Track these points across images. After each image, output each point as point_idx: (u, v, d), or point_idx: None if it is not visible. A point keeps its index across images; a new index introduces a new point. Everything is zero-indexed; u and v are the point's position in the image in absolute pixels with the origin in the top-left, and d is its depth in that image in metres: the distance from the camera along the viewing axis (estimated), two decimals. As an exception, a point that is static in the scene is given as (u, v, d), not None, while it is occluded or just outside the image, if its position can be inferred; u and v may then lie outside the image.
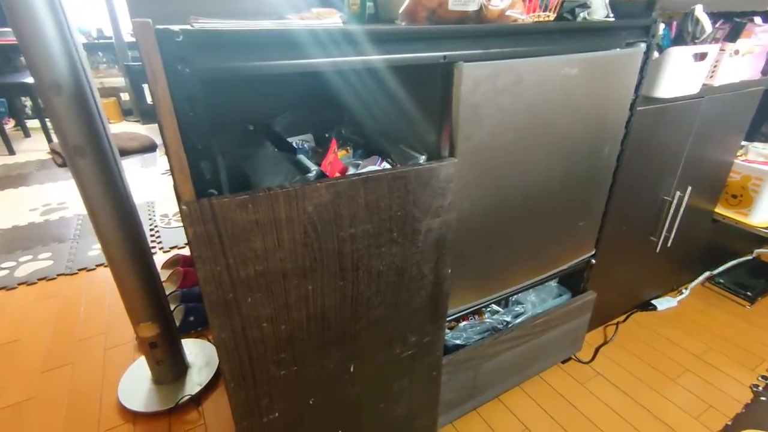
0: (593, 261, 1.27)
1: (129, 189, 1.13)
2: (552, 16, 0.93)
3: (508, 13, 0.83)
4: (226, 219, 0.63)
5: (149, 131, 4.09)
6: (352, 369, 0.87)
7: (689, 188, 1.38)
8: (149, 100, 4.15)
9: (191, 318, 1.59)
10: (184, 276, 1.77)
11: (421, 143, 0.92)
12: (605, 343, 1.52)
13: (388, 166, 0.89)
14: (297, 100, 1.25)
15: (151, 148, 3.66)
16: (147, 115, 4.55)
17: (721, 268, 1.88)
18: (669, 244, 1.46)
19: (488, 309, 1.23)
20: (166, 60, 0.54)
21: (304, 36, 0.62)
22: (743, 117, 1.42)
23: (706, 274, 1.86)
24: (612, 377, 1.39)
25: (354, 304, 0.81)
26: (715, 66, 1.17)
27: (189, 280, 1.77)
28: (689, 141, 1.29)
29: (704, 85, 1.19)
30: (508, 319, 1.21)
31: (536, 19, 0.89)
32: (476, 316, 1.21)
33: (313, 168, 0.81)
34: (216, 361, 1.42)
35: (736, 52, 1.18)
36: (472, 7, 0.81)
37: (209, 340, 1.53)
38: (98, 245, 2.15)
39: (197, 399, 1.31)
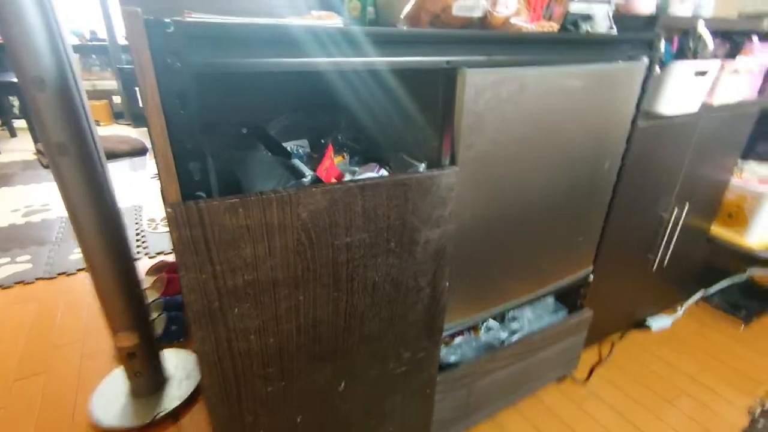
0: (591, 278, 1.25)
1: (113, 192, 1.08)
2: (556, 26, 0.92)
3: (512, 21, 0.81)
4: (215, 223, 0.59)
5: (140, 134, 4.03)
6: (342, 385, 0.83)
7: (687, 205, 1.37)
8: (141, 103, 4.10)
9: (174, 327, 1.52)
10: (167, 283, 1.70)
11: (420, 151, 0.89)
12: (600, 362, 1.49)
13: (386, 173, 0.86)
14: (293, 103, 1.21)
15: (141, 151, 3.60)
16: (138, 118, 4.49)
17: (714, 288, 1.87)
18: (665, 262, 1.45)
19: (484, 324, 1.19)
20: (155, 52, 0.50)
21: (304, 34, 0.59)
22: (740, 136, 1.43)
23: (700, 293, 1.84)
24: (608, 398, 1.35)
25: (347, 316, 0.77)
26: (714, 84, 1.17)
27: (173, 288, 1.71)
28: (687, 158, 1.28)
29: (703, 103, 1.18)
30: (505, 335, 1.17)
31: (540, 29, 0.88)
32: (472, 332, 1.18)
33: (308, 173, 0.78)
34: (198, 374, 1.35)
35: (735, 70, 1.18)
36: (477, 14, 0.79)
37: (192, 351, 1.47)
38: (79, 249, 2.08)
39: (175, 414, 1.24)
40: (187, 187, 0.58)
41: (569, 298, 1.33)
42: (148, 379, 1.26)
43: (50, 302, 1.75)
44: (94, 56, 4.83)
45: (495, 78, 0.77)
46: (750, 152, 1.65)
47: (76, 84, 0.95)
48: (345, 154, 1.02)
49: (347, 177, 0.88)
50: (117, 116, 4.78)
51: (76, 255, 2.04)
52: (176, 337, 1.52)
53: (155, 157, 0.55)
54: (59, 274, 1.91)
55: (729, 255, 1.80)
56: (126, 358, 1.20)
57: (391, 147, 0.97)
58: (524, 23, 0.82)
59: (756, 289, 1.91)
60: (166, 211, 0.55)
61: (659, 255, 1.42)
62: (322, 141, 1.13)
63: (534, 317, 1.28)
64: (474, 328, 1.18)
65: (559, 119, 0.91)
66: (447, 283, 0.85)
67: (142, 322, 1.20)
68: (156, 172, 3.21)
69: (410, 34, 0.70)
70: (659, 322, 1.66)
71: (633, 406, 1.33)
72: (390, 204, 0.71)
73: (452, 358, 1.07)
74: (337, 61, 0.63)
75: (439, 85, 0.79)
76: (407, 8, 0.81)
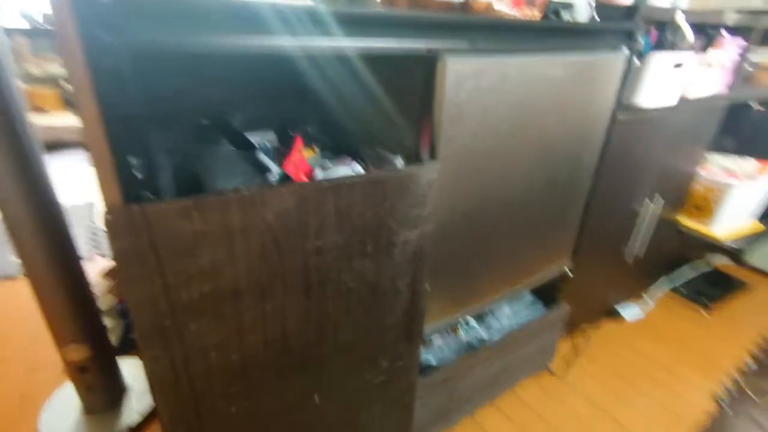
0: (568, 272, 1.23)
1: (52, 185, 0.97)
2: (538, 14, 0.87)
3: (495, 6, 0.76)
4: (164, 230, 0.51)
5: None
6: (316, 399, 0.77)
7: (659, 198, 1.37)
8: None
9: (132, 335, 1.41)
10: (125, 286, 1.58)
11: (396, 144, 0.83)
12: (576, 354, 1.49)
13: (360, 168, 0.79)
14: (258, 92, 1.12)
15: (94, 143, 3.35)
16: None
17: (680, 277, 1.92)
18: (639, 254, 1.46)
19: (464, 323, 1.16)
20: (84, 25, 0.42)
21: (266, 10, 0.52)
22: (709, 129, 1.45)
23: (667, 282, 1.89)
24: (584, 389, 1.35)
25: (319, 325, 0.70)
26: (689, 77, 1.16)
27: (131, 291, 1.58)
28: (661, 152, 1.28)
29: (681, 97, 1.18)
30: (484, 334, 1.14)
31: (522, 17, 0.83)
32: (450, 332, 1.14)
33: (275, 168, 0.70)
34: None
35: (708, 64, 1.18)
36: (457, -3, 0.73)
37: (153, 359, 1.36)
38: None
39: (137, 431, 1.14)
40: (129, 187, 0.49)
41: (545, 292, 1.31)
42: (103, 394, 1.15)
43: (-10, 310, 1.59)
44: (45, 41, 4.46)
45: (477, 67, 0.72)
46: (714, 145, 1.68)
47: (1, 65, 0.83)
48: (315, 147, 0.95)
49: (318, 172, 0.81)
50: (67, 104, 4.45)
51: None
52: (135, 346, 1.40)
53: (88, 150, 0.46)
54: (0, 278, 1.74)
55: (694, 245, 1.85)
56: (76, 372, 1.09)
57: (365, 140, 0.91)
58: (507, 9, 0.77)
59: (718, 277, 1.98)
60: (104, 216, 0.47)
61: (633, 247, 1.43)
62: (291, 133, 1.05)
63: (512, 313, 1.26)
64: (453, 328, 1.14)
65: (539, 111, 0.87)
66: (426, 285, 0.80)
67: (94, 332, 1.09)
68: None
69: (388, 16, 0.63)
70: (630, 312, 1.69)
71: (608, 396, 1.33)
72: (365, 203, 0.65)
73: (432, 361, 1.03)
74: (305, 44, 0.55)
75: (418, 74, 0.73)
76: (383, -12, 0.74)
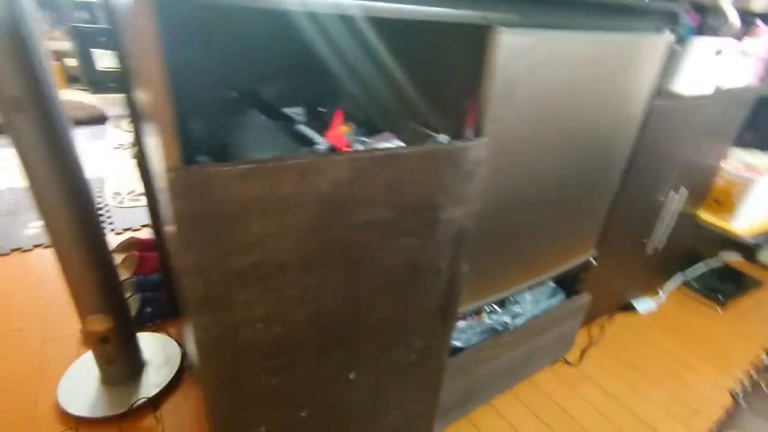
0: (593, 261, 1.23)
1: (79, 155, 0.95)
2: (585, -9, 0.85)
3: (549, -21, 0.73)
4: (222, 194, 0.49)
5: (99, 101, 3.71)
6: (351, 376, 0.76)
7: (682, 190, 1.36)
8: (99, 65, 3.74)
9: (148, 309, 1.40)
10: (140, 262, 1.57)
11: (436, 121, 0.81)
12: (591, 345, 1.49)
13: (401, 144, 0.78)
14: (286, 66, 1.09)
15: (100, 119, 3.32)
16: (96, 83, 4.12)
17: (694, 272, 1.92)
18: (658, 247, 1.45)
19: (488, 308, 1.15)
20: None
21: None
22: (737, 121, 1.43)
23: (681, 277, 1.89)
24: (600, 380, 1.36)
25: (360, 301, 0.69)
26: (724, 65, 1.14)
27: (146, 267, 1.58)
28: (691, 142, 1.27)
29: (716, 86, 1.16)
30: (507, 319, 1.14)
31: (572, -8, 0.80)
32: (474, 316, 1.13)
33: (320, 140, 0.68)
34: (177, 360, 1.25)
35: (744, 52, 1.16)
36: (512, -32, 0.70)
37: (169, 335, 1.36)
38: (37, 223, 1.88)
39: (154, 402, 1.14)
40: (188, 149, 0.48)
41: (566, 280, 1.30)
42: (122, 366, 1.15)
43: (3, 281, 1.58)
44: (43, 12, 4.36)
45: (530, 41, 0.70)
46: (737, 139, 1.67)
47: (29, 25, 0.80)
48: (350, 123, 0.93)
49: (358, 147, 0.79)
50: (71, 80, 4.38)
51: (32, 230, 1.85)
52: (151, 320, 1.40)
53: (153, 111, 0.45)
54: (13, 250, 1.72)
55: (709, 240, 1.85)
56: (98, 343, 1.08)
57: (402, 117, 0.88)
58: (561, -18, 0.74)
59: (731, 273, 1.98)
60: (166, 177, 0.45)
61: (654, 240, 1.42)
62: (320, 109, 1.03)
63: (533, 300, 1.25)
64: (477, 312, 1.14)
65: (582, 94, 0.85)
66: (467, 266, 0.79)
67: (116, 304, 1.08)
68: (119, 142, 2.97)
69: (444, -18, 0.60)
70: (644, 305, 1.69)
71: (624, 387, 1.34)
72: (416, 177, 0.63)
73: (457, 344, 1.03)
74: (363, 3, 0.53)
75: (464, 47, 0.71)
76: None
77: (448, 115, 0.79)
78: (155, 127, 0.49)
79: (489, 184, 0.79)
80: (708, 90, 1.10)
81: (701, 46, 0.99)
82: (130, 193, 2.19)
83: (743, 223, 1.56)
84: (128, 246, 1.66)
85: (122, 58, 0.90)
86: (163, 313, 1.42)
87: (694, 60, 1.00)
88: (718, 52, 1.03)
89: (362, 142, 0.82)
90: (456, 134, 0.77)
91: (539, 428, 1.18)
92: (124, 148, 2.83)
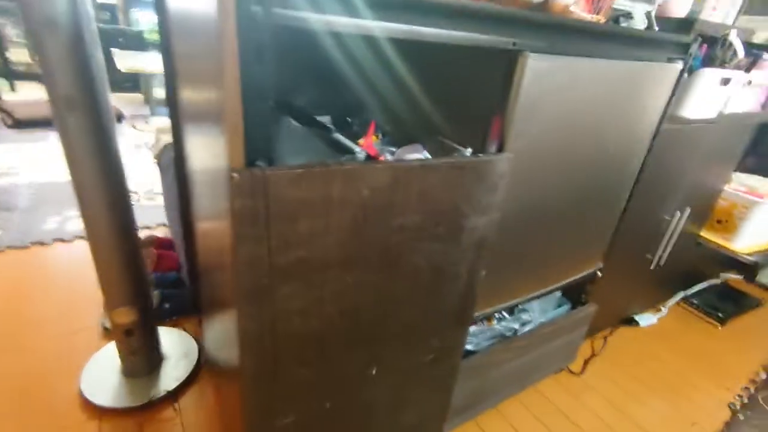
0: (599, 274, 1.27)
1: (120, 153, 1.00)
2: (603, 20, 0.91)
3: (572, 8, 0.79)
4: (277, 194, 0.54)
5: (116, 101, 3.78)
6: (374, 372, 0.80)
7: (687, 210, 1.42)
8: (119, 66, 3.82)
9: (167, 305, 1.45)
10: (159, 259, 1.62)
11: (460, 135, 0.87)
12: (594, 355, 1.53)
13: (428, 155, 0.83)
14: (315, 77, 1.15)
15: (117, 118, 3.38)
16: (114, 83, 4.20)
17: (694, 290, 1.97)
18: (662, 263, 1.50)
19: (497, 315, 1.20)
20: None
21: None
22: (739, 146, 1.49)
23: (682, 294, 1.93)
24: (603, 390, 1.40)
25: (388, 301, 0.74)
26: (730, 94, 1.20)
27: (164, 264, 1.62)
28: (696, 163, 1.33)
29: (719, 111, 1.22)
30: (516, 326, 1.18)
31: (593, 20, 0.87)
32: (485, 322, 1.18)
33: (358, 149, 0.74)
34: (195, 355, 1.29)
35: (749, 82, 1.22)
36: (538, -2, 0.77)
37: (186, 331, 1.40)
38: (55, 217, 1.93)
39: (174, 395, 1.18)
40: (252, 153, 0.53)
41: (572, 293, 1.35)
42: (143, 358, 1.19)
43: (23, 274, 1.62)
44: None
45: (553, 65, 0.76)
46: (739, 165, 1.73)
47: (88, 25, 0.86)
48: (377, 133, 0.98)
49: (387, 157, 0.85)
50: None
51: (52, 224, 1.90)
52: (169, 316, 1.44)
53: (223, 115, 0.50)
54: (32, 244, 1.77)
55: (709, 259, 1.90)
56: (122, 335, 1.13)
57: (427, 130, 0.94)
58: (583, 13, 0.80)
59: (730, 292, 2.03)
60: (230, 177, 0.51)
61: (657, 256, 1.47)
62: (348, 119, 1.09)
63: (540, 309, 1.30)
64: (488, 318, 1.18)
65: (598, 115, 0.91)
66: (484, 272, 0.84)
67: (143, 297, 1.13)
68: (137, 141, 3.03)
69: (480, 8, 0.66)
70: (646, 320, 1.73)
71: (624, 397, 1.38)
72: (445, 187, 0.69)
73: (469, 347, 1.07)
74: (395, 27, 0.58)
75: (495, 68, 0.76)
76: (464, -15, 0.78)
77: (471, 130, 0.85)
78: (219, 129, 0.54)
79: (508, 196, 0.85)
80: (712, 114, 1.16)
81: (710, 76, 1.05)
82: (147, 192, 2.24)
83: (744, 243, 1.61)
84: (146, 243, 1.70)
85: (168, 60, 0.95)
86: (180, 309, 1.46)
87: (703, 88, 1.06)
88: (725, 82, 1.09)
89: (391, 152, 0.88)
90: (479, 148, 0.82)
91: (544, 434, 1.22)
92: (144, 147, 2.89)
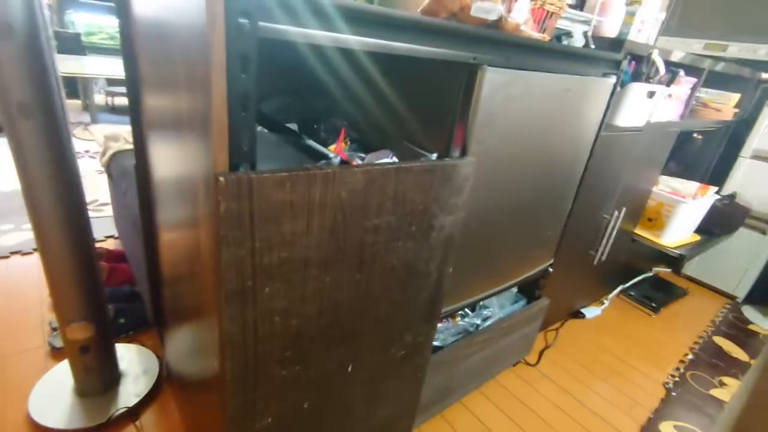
0: (551, 270, 1.38)
1: (77, 163, 0.96)
2: (548, 38, 1.01)
3: (522, 27, 0.88)
4: (262, 197, 0.56)
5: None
6: (350, 369, 0.83)
7: (623, 209, 1.57)
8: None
9: (122, 320, 1.38)
10: (110, 273, 1.54)
11: (428, 141, 0.93)
12: (547, 347, 1.65)
13: (396, 160, 0.88)
14: (281, 85, 1.17)
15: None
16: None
17: (631, 282, 2.17)
18: (603, 259, 1.65)
19: (460, 312, 1.26)
20: (228, 10, 0.47)
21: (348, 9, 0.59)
22: (664, 151, 1.67)
23: (621, 287, 2.12)
24: (556, 378, 1.50)
25: (364, 299, 0.77)
26: (654, 105, 1.36)
27: (116, 278, 1.55)
28: (627, 168, 1.48)
29: (647, 120, 1.37)
30: (478, 321, 1.25)
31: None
32: (449, 319, 1.24)
33: (332, 154, 0.77)
34: (156, 370, 1.25)
35: (670, 95, 1.39)
36: (493, 17, 0.84)
37: (144, 345, 1.34)
38: (31, 226, 1.77)
39: (134, 412, 1.13)
40: (235, 157, 0.55)
41: (528, 289, 1.45)
42: (100, 376, 1.13)
43: (-48, 293, 1.48)
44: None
45: (508, 78, 0.84)
46: (664, 168, 1.94)
47: (45, 29, 0.83)
48: (346, 139, 1.02)
49: (357, 162, 0.88)
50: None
51: (-16, 239, 1.75)
52: (125, 331, 1.38)
53: (209, 120, 0.51)
54: (-38, 261, 1.62)
55: (643, 254, 2.10)
56: (77, 353, 1.07)
57: (394, 136, 0.99)
58: (531, 32, 0.89)
59: (662, 283, 2.25)
60: (215, 180, 0.52)
61: (599, 252, 1.61)
62: (315, 126, 1.12)
63: (499, 305, 1.38)
64: (452, 315, 1.25)
65: (547, 124, 1.01)
66: (451, 269, 0.90)
67: (99, 312, 1.08)
68: (86, 148, 2.85)
69: (444, 26, 0.72)
70: (591, 312, 1.89)
71: (577, 384, 1.49)
72: (417, 189, 0.73)
73: (436, 343, 1.12)
74: (370, 41, 0.63)
75: (457, 80, 0.83)
76: (425, 2, 0.84)
77: (435, 136, 0.91)
78: (200, 136, 0.56)
79: (469, 199, 0.91)
80: (640, 123, 1.31)
81: (638, 89, 1.18)
82: (92, 203, 2.12)
83: (671, 238, 1.80)
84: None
85: (131, 66, 0.93)
86: (137, 324, 1.40)
87: (632, 100, 1.19)
88: (651, 94, 1.24)
89: (361, 158, 0.92)
90: (443, 153, 0.88)
91: (506, 424, 1.29)
92: (87, 156, 2.71)
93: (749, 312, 2.12)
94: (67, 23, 4.11)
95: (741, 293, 2.17)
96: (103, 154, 1.70)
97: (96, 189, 2.27)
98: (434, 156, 0.87)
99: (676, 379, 1.59)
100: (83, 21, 4.15)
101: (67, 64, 3.05)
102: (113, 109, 4.09)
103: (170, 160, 0.79)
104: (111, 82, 4.03)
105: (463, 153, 0.86)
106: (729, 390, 1.56)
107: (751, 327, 2.01)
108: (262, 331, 0.66)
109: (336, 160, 0.76)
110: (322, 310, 0.72)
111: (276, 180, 0.57)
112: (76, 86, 3.94)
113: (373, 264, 0.75)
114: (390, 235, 0.74)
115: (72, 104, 3.96)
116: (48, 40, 0.84)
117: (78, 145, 2.94)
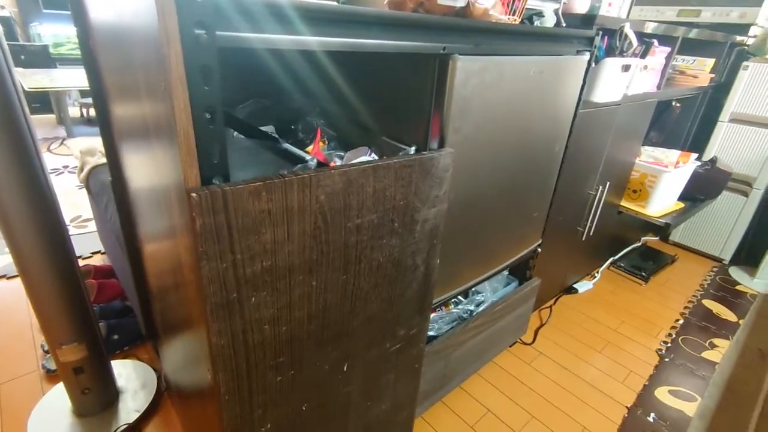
0: (539, 250, 1.39)
1: (50, 180, 0.94)
2: (518, 21, 1.00)
3: (491, 12, 0.87)
4: (238, 209, 0.56)
5: (37, 122, 3.43)
6: (345, 368, 0.83)
7: (608, 184, 1.58)
8: (25, 86, 3.49)
9: (115, 336, 1.37)
10: (99, 289, 1.52)
11: (402, 135, 0.92)
12: (542, 325, 1.67)
13: (376, 157, 0.87)
14: (254, 87, 1.15)
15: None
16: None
17: (620, 254, 2.20)
18: (591, 234, 1.67)
19: (453, 300, 1.27)
20: (182, 22, 0.46)
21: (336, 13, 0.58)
22: (644, 123, 1.68)
23: (610, 259, 2.15)
24: (552, 355, 1.53)
25: (353, 299, 0.77)
26: (630, 78, 1.37)
27: (105, 294, 1.53)
28: (608, 142, 1.49)
29: (624, 94, 1.38)
30: (472, 307, 1.26)
31: (509, 22, 0.95)
32: (443, 308, 1.25)
33: (308, 157, 0.76)
34: (154, 383, 1.24)
35: (645, 67, 1.39)
36: (460, 3, 0.83)
37: (140, 360, 1.34)
38: (8, 250, 1.74)
39: (135, 428, 1.13)
40: (206, 171, 0.54)
41: (519, 270, 1.47)
42: (97, 396, 1.13)
43: (-61, 324, 1.45)
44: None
45: (481, 65, 0.83)
46: (644, 138, 1.95)
47: (2, 46, 0.80)
48: (324, 139, 1.01)
49: (337, 161, 0.87)
50: None
51: (-34, 266, 1.71)
52: (119, 347, 1.37)
53: (177, 136, 0.50)
54: (-54, 290, 1.59)
55: (630, 225, 2.13)
56: (71, 374, 1.06)
57: (371, 132, 0.98)
58: (500, 15, 0.88)
59: (650, 252, 2.28)
60: (188, 197, 0.51)
61: (586, 227, 1.63)
62: (292, 127, 1.10)
63: (491, 289, 1.40)
64: (445, 304, 1.25)
65: (524, 106, 1.00)
66: (438, 260, 0.90)
67: (89, 331, 1.07)
68: (64, 163, 2.79)
69: (408, 18, 0.71)
70: (583, 286, 1.91)
71: (573, 359, 1.52)
72: (397, 185, 0.73)
73: (431, 333, 1.13)
74: (333, 41, 0.62)
75: (429, 71, 0.82)
76: (392, -7, 0.83)
77: (413, 130, 0.90)
78: (169, 149, 0.55)
79: (452, 188, 0.91)
80: (617, 97, 1.32)
81: (612, 64, 1.18)
82: (74, 219, 2.08)
83: (656, 208, 1.83)
84: (84, 275, 1.59)
85: (94, 76, 0.91)
86: (131, 339, 1.39)
87: (607, 76, 1.19)
88: (626, 68, 1.24)
89: (340, 157, 0.91)
90: (422, 146, 0.88)
91: (507, 403, 1.31)
92: (66, 172, 2.66)
93: (736, 273, 2.17)
94: (33, 36, 3.99)
95: (727, 255, 2.22)
96: (81, 170, 1.67)
97: (78, 205, 2.23)
98: (413, 149, 0.87)
99: (669, 345, 1.63)
100: (50, 32, 4.03)
101: (35, 79, 2.97)
102: (89, 121, 4.00)
103: (144, 172, 0.77)
104: (84, 93, 3.94)
105: (441, 144, 0.85)
106: (720, 351, 1.60)
107: (738, 288, 2.06)
108: (252, 341, 0.66)
109: (312, 163, 0.75)
110: (311, 313, 0.72)
111: (251, 190, 0.56)
112: (48, 100, 3.84)
113: (359, 263, 0.75)
114: (373, 233, 0.74)
115: (46, 119, 3.86)
116: (5, 54, 0.81)
117: (56, 161, 2.88)
